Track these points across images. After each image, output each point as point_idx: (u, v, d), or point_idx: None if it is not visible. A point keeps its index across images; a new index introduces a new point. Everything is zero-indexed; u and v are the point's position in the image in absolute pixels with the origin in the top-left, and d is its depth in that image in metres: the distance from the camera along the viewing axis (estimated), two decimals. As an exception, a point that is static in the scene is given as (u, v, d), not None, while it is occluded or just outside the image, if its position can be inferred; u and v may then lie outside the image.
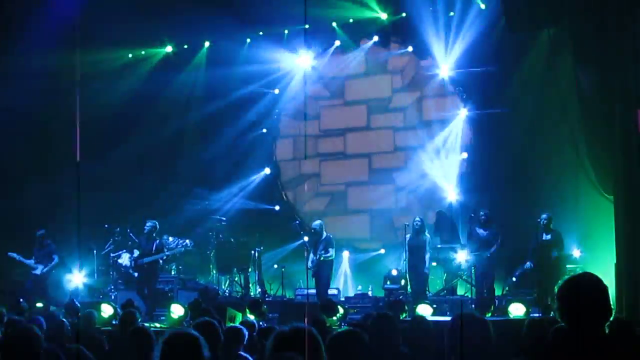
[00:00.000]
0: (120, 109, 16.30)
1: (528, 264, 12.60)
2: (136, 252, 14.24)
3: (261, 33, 16.32)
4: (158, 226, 13.75)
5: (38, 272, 13.81)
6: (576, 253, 12.88)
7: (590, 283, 3.32)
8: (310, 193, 17.19)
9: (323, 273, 13.26)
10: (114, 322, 11.55)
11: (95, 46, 14.48)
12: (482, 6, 14.26)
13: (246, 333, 6.11)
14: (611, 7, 10.96)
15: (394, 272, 13.78)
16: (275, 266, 15.59)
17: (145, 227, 13.62)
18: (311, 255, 13.37)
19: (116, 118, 16.32)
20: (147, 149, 16.51)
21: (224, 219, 15.87)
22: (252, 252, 14.96)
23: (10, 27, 14.89)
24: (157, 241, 13.58)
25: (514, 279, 13.19)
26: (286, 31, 16.10)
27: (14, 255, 14.02)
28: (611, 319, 3.43)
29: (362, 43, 16.45)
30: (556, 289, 3.44)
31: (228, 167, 16.88)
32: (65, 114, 15.47)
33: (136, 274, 13.92)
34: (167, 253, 13.93)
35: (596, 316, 3.28)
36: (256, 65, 16.36)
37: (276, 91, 17.05)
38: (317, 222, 13.68)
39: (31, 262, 13.93)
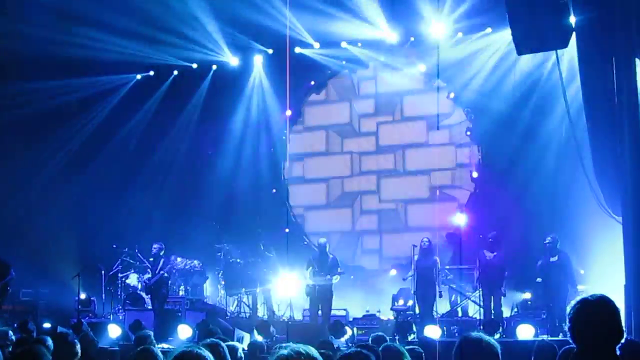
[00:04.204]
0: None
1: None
2: (145, 275, 14.35)
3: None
4: (164, 247, 13.84)
5: None
6: (583, 274, 12.82)
7: (602, 304, 3.31)
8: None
9: (328, 294, 13.09)
10: (121, 343, 11.56)
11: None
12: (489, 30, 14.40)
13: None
14: (620, 27, 10.98)
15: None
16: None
17: (153, 249, 13.77)
18: (313, 270, 13.06)
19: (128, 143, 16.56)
20: (159, 171, 16.62)
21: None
22: (260, 272, 14.90)
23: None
24: (162, 261, 13.67)
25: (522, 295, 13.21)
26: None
27: None
28: (622, 341, 3.41)
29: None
30: (568, 309, 3.43)
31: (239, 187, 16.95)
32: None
33: (149, 296, 14.02)
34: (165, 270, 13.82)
35: (608, 338, 3.26)
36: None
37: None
38: (323, 239, 13.60)
39: None
